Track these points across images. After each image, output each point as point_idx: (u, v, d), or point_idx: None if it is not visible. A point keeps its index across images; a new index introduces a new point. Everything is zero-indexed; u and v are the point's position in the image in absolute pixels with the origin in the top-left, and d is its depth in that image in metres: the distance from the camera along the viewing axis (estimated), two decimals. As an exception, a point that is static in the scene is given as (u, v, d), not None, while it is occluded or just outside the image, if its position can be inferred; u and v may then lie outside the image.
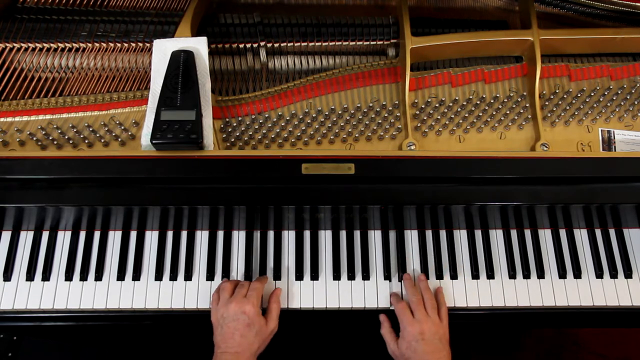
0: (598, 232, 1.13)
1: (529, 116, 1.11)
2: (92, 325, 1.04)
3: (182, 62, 1.03)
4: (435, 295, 1.03)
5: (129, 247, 1.08)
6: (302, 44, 1.15)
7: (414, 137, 1.07)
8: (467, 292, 1.06)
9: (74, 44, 1.10)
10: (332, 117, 1.09)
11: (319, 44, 1.15)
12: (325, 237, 1.10)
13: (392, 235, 1.11)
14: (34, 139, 1.02)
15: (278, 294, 1.03)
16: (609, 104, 1.14)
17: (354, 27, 1.16)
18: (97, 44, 1.10)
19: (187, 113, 0.98)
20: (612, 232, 1.13)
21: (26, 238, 1.08)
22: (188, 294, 1.05)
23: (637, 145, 1.12)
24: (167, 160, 0.97)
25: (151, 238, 1.09)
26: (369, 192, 0.99)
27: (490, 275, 1.08)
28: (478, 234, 1.11)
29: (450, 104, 1.11)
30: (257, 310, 0.96)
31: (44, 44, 1.10)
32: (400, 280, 1.07)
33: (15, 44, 1.09)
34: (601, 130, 1.12)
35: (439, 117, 1.10)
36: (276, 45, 1.15)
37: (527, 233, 1.12)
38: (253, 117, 1.09)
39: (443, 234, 1.11)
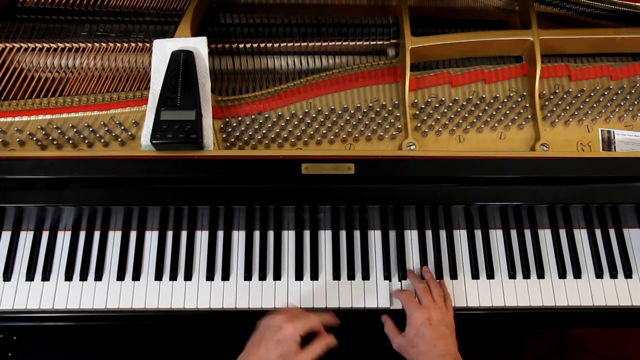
0: (598, 232, 1.13)
1: (529, 116, 1.11)
2: (91, 325, 1.04)
3: (182, 62, 1.03)
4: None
5: (128, 247, 1.08)
6: (302, 44, 1.15)
7: (413, 137, 1.07)
8: (466, 292, 1.06)
9: (74, 44, 1.10)
10: (332, 117, 1.09)
11: (319, 44, 1.15)
12: (325, 237, 1.10)
13: (392, 235, 1.11)
14: (34, 139, 1.02)
15: (329, 342, 0.91)
16: (608, 104, 1.14)
17: (354, 27, 1.16)
18: (97, 44, 1.10)
19: (187, 113, 0.98)
20: (612, 232, 1.13)
21: (26, 238, 1.08)
22: (188, 294, 1.05)
23: (637, 145, 1.12)
24: (167, 160, 0.97)
25: (151, 238, 1.09)
26: (369, 192, 0.99)
27: (490, 275, 1.08)
28: (478, 234, 1.11)
29: (450, 104, 1.11)
30: (296, 335, 0.88)
31: (44, 44, 1.10)
32: (400, 279, 1.07)
33: (15, 44, 1.09)
34: (601, 130, 1.12)
35: (438, 117, 1.10)
36: (276, 45, 1.15)
37: (527, 233, 1.12)
38: (253, 117, 1.09)
39: (443, 234, 1.11)
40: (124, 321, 1.04)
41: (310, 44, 1.15)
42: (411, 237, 1.11)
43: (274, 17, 1.15)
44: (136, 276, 1.05)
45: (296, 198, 0.99)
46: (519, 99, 1.12)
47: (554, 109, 1.12)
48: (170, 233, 1.09)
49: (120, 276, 1.05)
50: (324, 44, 1.15)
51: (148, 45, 1.10)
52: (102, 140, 1.04)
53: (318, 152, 1.05)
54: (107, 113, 1.06)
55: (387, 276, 1.07)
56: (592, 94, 1.14)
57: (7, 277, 1.04)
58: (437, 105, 1.11)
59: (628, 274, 1.09)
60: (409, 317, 0.97)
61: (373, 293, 1.06)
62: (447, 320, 0.97)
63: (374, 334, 1.04)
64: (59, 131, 1.03)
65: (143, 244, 1.08)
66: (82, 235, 1.08)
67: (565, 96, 1.14)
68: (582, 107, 1.13)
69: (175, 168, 0.97)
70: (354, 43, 1.16)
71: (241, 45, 1.14)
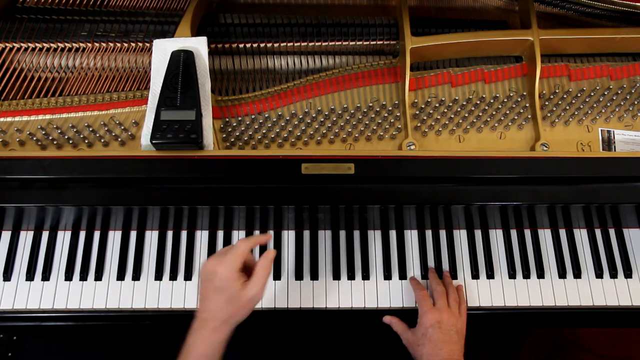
0: (598, 232, 1.13)
1: (529, 116, 1.11)
2: (92, 325, 1.04)
3: (182, 62, 1.03)
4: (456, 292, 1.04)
5: (128, 247, 1.08)
6: (302, 44, 1.15)
7: (413, 137, 1.07)
8: (466, 292, 1.06)
9: (74, 44, 1.10)
10: (332, 117, 1.09)
11: (319, 44, 1.15)
12: (325, 237, 1.10)
13: (392, 235, 1.11)
14: (34, 138, 1.02)
15: (269, 257, 0.85)
16: (608, 104, 1.14)
17: (354, 27, 1.16)
18: (97, 44, 1.10)
19: (187, 113, 0.98)
20: (612, 232, 1.13)
21: (26, 238, 1.08)
22: (188, 293, 1.05)
23: (637, 145, 1.12)
24: (167, 160, 0.97)
25: (151, 238, 1.09)
26: (369, 192, 0.99)
27: (490, 275, 1.08)
28: (478, 233, 1.11)
29: (450, 104, 1.11)
30: (232, 274, 0.82)
31: (44, 44, 1.10)
32: (400, 279, 1.07)
33: (15, 44, 1.09)
34: (601, 130, 1.12)
35: (438, 117, 1.10)
36: (276, 45, 1.15)
37: (527, 233, 1.12)
38: (253, 117, 1.09)
39: (443, 233, 1.11)
40: (124, 321, 1.04)
41: (310, 44, 1.15)
42: (411, 237, 1.11)
43: (274, 17, 1.15)
44: (136, 276, 1.05)
45: (296, 198, 0.99)
46: (519, 99, 1.12)
47: (554, 108, 1.12)
48: (170, 233, 1.09)
49: (120, 276, 1.05)
50: (324, 44, 1.15)
51: (148, 45, 1.10)
52: (102, 140, 1.04)
53: (318, 152, 1.05)
54: (107, 113, 1.06)
55: (388, 276, 1.07)
56: (592, 94, 1.14)
57: (7, 277, 1.04)
58: (437, 105, 1.11)
59: (628, 274, 1.09)
60: (420, 317, 0.98)
61: (373, 293, 1.06)
62: (458, 326, 0.97)
63: (374, 334, 1.04)
64: (59, 131, 1.03)
65: (143, 244, 1.08)
66: (82, 235, 1.08)
67: (565, 96, 1.14)
68: (582, 107, 1.13)
69: (175, 168, 0.97)
70: (354, 43, 1.16)
71: (241, 45, 1.14)
